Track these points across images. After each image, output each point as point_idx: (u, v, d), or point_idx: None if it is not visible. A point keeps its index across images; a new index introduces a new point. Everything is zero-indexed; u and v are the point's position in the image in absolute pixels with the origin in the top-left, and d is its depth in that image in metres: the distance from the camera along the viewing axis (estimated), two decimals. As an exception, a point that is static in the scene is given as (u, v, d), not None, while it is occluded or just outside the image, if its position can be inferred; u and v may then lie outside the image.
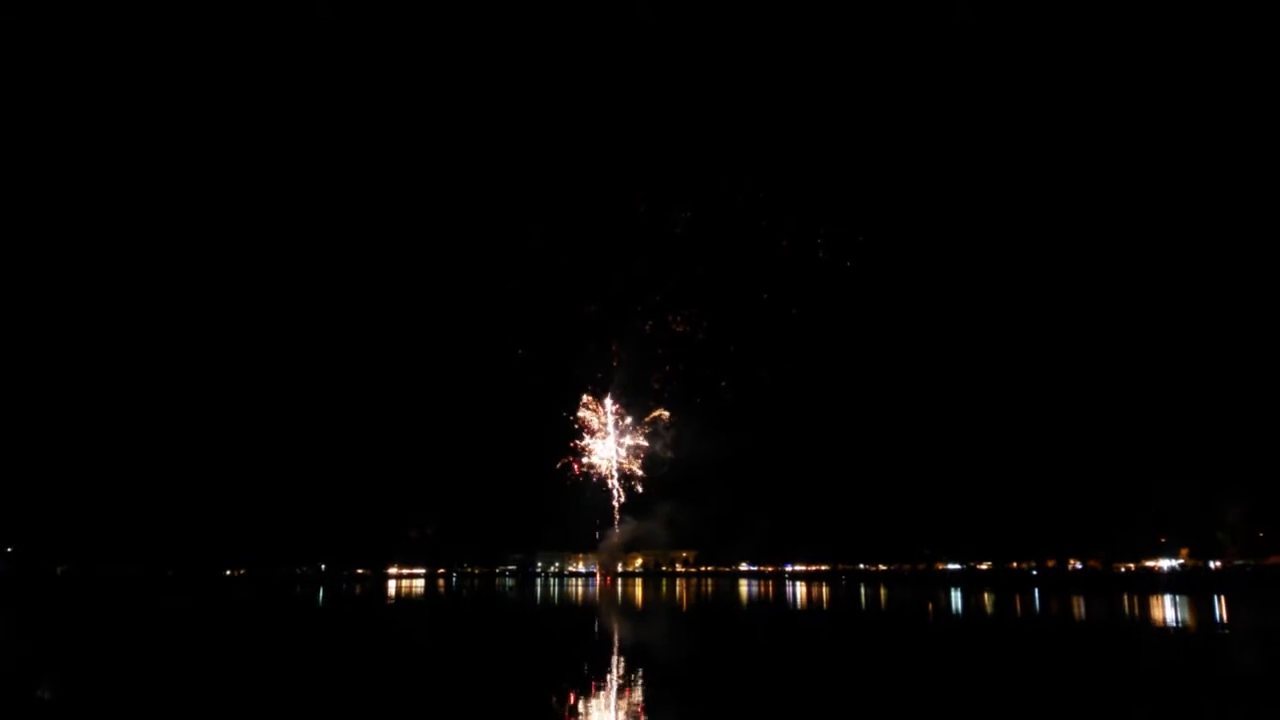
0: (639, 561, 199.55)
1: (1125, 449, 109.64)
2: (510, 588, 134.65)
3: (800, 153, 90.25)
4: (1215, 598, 76.53)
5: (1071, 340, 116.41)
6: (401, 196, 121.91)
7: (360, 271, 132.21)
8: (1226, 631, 44.48)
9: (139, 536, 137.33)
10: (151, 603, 76.52)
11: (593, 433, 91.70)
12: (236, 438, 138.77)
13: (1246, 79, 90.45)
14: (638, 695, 22.96)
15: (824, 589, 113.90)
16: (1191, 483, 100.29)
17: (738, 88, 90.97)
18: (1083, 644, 38.67)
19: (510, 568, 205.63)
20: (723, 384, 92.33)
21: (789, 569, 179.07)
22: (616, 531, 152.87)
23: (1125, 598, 78.44)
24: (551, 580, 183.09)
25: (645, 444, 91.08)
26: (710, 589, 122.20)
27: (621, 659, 31.31)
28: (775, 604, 77.69)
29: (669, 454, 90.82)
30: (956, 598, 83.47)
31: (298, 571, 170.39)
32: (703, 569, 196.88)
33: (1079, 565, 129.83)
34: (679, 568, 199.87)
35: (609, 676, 26.59)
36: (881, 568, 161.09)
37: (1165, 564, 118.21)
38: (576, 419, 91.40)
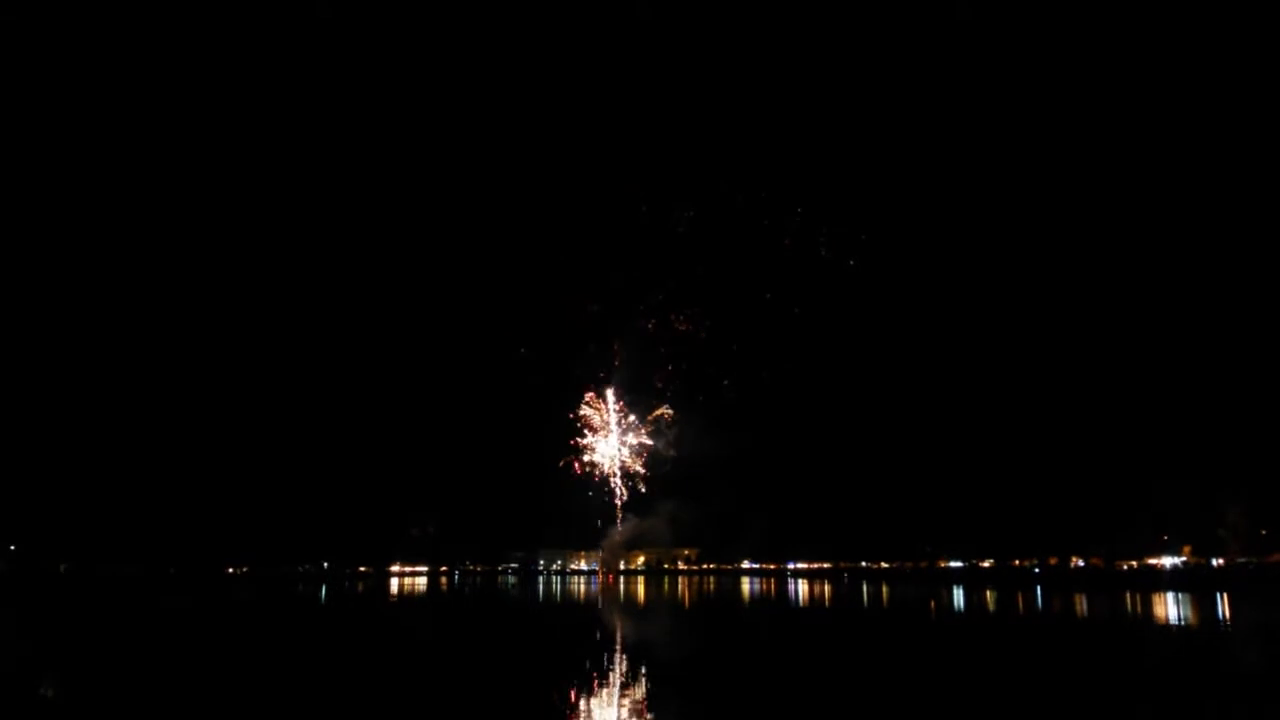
0: (641, 559, 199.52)
1: (1128, 447, 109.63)
2: (512, 585, 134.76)
3: (802, 152, 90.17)
4: (1217, 595, 76.50)
5: (1073, 339, 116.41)
6: (402, 196, 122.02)
7: (361, 271, 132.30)
8: (1229, 629, 44.42)
9: (140, 535, 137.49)
10: (153, 602, 76.59)
11: (595, 431, 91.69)
12: (238, 437, 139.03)
13: (1246, 79, 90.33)
14: (640, 692, 22.94)
15: (826, 587, 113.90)
16: (1194, 481, 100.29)
17: (739, 87, 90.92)
18: (1085, 642, 38.63)
19: (512, 565, 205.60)
20: (725, 383, 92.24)
21: (791, 567, 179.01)
22: (618, 529, 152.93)
23: (1127, 595, 78.40)
24: (553, 578, 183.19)
25: (648, 442, 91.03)
26: (712, 587, 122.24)
27: (624, 656, 31.30)
28: (777, 602, 77.69)
29: (671, 452, 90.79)
30: (959, 595, 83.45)
31: (300, 570, 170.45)
32: (705, 567, 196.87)
33: (1081, 563, 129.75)
34: (681, 565, 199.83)
35: (611, 674, 26.58)
36: (883, 565, 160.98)
37: (1167, 562, 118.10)
38: (579, 417, 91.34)
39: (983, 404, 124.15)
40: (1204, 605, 62.31)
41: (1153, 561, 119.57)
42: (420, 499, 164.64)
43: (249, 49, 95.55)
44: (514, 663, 31.42)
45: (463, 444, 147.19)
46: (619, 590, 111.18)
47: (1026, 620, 51.48)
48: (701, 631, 47.50)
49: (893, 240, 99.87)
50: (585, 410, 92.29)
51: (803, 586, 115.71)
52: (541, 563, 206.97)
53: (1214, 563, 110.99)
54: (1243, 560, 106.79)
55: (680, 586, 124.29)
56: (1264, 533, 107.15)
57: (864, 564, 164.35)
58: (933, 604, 68.11)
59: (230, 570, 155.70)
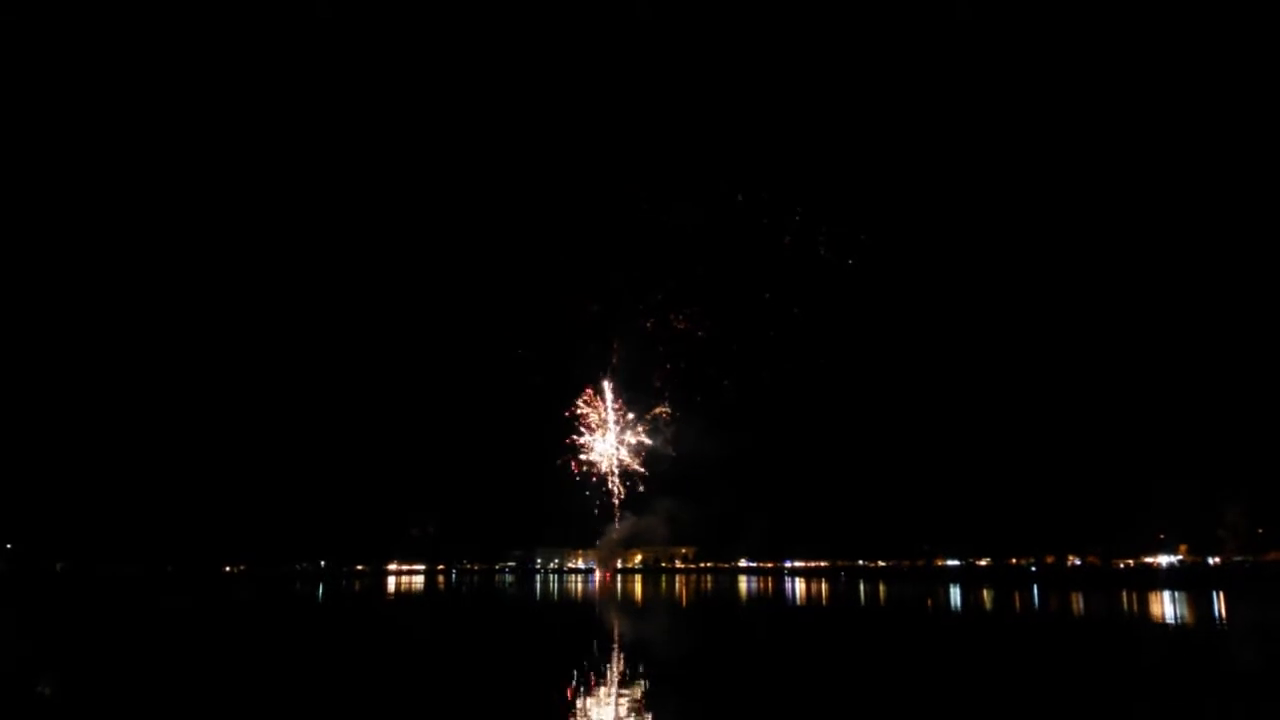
0: (639, 558, 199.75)
1: (1125, 445, 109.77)
2: (510, 584, 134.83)
3: (802, 152, 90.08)
4: (1214, 594, 76.72)
5: (1071, 338, 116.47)
6: (401, 196, 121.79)
7: (360, 270, 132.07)
8: (1225, 628, 44.57)
9: (138, 534, 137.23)
10: (151, 601, 76.55)
11: (593, 429, 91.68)
12: (235, 436, 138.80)
13: (1246, 79, 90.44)
14: (637, 691, 22.98)
15: (823, 585, 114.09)
16: (1191, 479, 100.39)
17: (739, 86, 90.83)
18: (1082, 640, 38.75)
19: (510, 564, 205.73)
20: (724, 382, 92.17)
21: (788, 565, 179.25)
22: (616, 528, 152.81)
23: (1124, 594, 78.60)
24: (551, 577, 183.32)
25: (646, 441, 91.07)
26: (710, 585, 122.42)
27: (621, 655, 31.34)
28: (774, 600, 77.82)
29: (670, 451, 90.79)
30: (956, 594, 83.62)
31: (297, 568, 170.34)
32: (702, 565, 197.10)
33: (1078, 561, 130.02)
34: (679, 564, 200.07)
35: (608, 673, 26.62)
36: (881, 564, 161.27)
37: (1164, 560, 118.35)
38: (577, 416, 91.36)
39: (980, 403, 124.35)
40: (1200, 604, 62.50)
41: (1149, 560, 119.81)
42: (418, 498, 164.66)
43: (249, 49, 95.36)
44: (511, 662, 31.45)
45: (461, 443, 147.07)
46: (616, 589, 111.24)
47: (1023, 619, 51.60)
48: (698, 630, 47.56)
49: (892, 240, 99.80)
50: (583, 409, 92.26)
51: (800, 585, 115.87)
52: (539, 561, 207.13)
53: (1211, 561, 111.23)
54: (1239, 559, 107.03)
55: (678, 585, 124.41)
56: (1261, 531, 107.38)
57: (861, 562, 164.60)
58: (930, 602, 68.25)
59: (228, 569, 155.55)
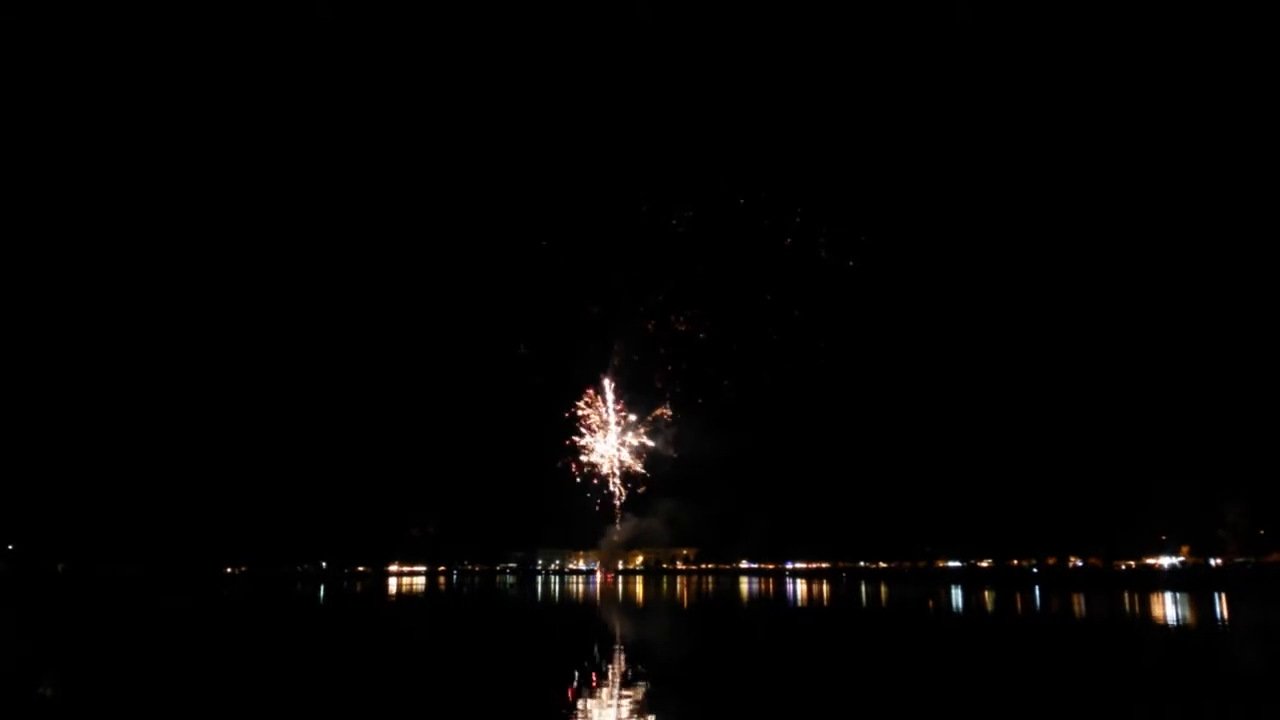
0: (640, 559, 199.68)
1: (1126, 446, 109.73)
2: (511, 585, 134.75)
3: (803, 153, 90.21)
4: (1216, 595, 76.55)
5: (1073, 339, 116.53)
6: (402, 196, 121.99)
7: (361, 271, 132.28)
8: (1227, 629, 44.47)
9: (139, 535, 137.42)
10: (151, 602, 76.55)
11: (594, 430, 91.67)
12: (237, 436, 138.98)
13: (1246, 79, 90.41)
14: (639, 692, 22.94)
15: (824, 586, 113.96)
16: (1192, 480, 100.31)
17: (740, 88, 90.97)
18: (1083, 642, 38.67)
19: (511, 565, 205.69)
20: (725, 383, 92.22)
21: (789, 567, 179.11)
22: (617, 529, 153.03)
23: (1126, 595, 78.44)
24: (552, 578, 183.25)
25: (648, 442, 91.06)
26: (711, 587, 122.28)
27: (622, 656, 31.31)
28: (775, 602, 77.72)
29: (671, 452, 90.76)
30: (957, 595, 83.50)
31: (298, 569, 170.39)
32: (703, 567, 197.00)
33: (1080, 563, 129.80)
34: (680, 565, 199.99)
35: (609, 674, 26.59)
36: (882, 565, 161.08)
37: (1166, 561, 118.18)
38: (578, 417, 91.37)
39: (981, 404, 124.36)
40: (1202, 605, 62.36)
41: (1151, 561, 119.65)
42: (419, 499, 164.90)
43: (249, 49, 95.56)
44: (513, 663, 31.42)
45: (462, 444, 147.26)
46: (618, 590, 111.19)
47: (1025, 620, 51.51)
48: (699, 632, 47.51)
49: (893, 242, 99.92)
50: (584, 410, 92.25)
51: (801, 586, 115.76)
52: (540, 563, 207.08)
53: (1212, 562, 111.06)
54: (1241, 560, 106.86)
55: (679, 586, 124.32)
56: (1262, 532, 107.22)
57: (862, 564, 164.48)
58: (931, 604, 68.15)
59: (229, 570, 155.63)
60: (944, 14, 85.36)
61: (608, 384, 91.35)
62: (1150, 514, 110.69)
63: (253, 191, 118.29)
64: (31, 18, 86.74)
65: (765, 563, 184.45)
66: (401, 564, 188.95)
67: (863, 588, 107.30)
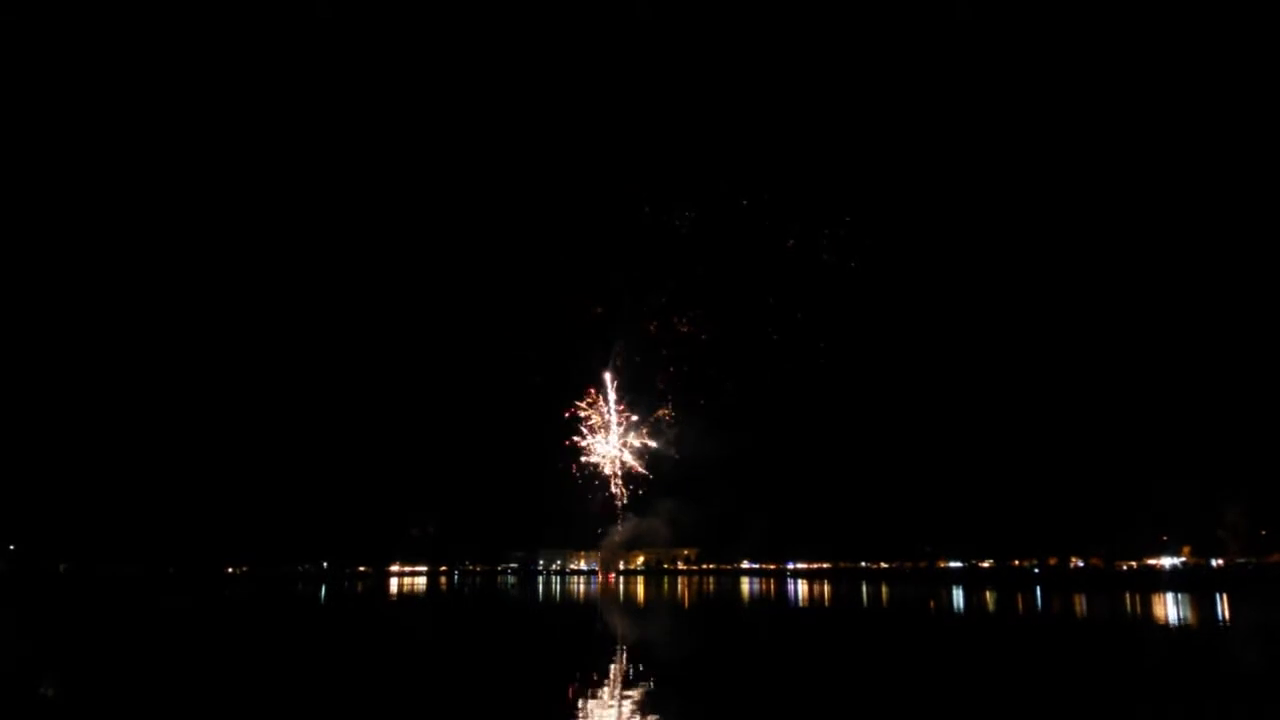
0: (640, 559, 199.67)
1: (1127, 447, 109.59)
2: (512, 585, 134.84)
3: (805, 154, 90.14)
4: (1217, 596, 76.53)
5: (1074, 339, 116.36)
6: (402, 195, 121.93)
7: (362, 270, 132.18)
8: (1228, 630, 44.43)
9: (140, 535, 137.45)
10: (152, 602, 76.63)
11: (595, 431, 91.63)
12: (237, 436, 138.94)
13: (1246, 79, 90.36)
14: (641, 692, 22.94)
15: (825, 587, 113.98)
16: (1193, 481, 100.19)
17: (742, 88, 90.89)
18: (1085, 642, 38.65)
19: (512, 565, 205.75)
20: (727, 384, 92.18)
21: (790, 567, 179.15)
22: (618, 529, 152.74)
23: (1127, 596, 78.44)
24: (553, 578, 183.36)
25: (649, 443, 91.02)
26: (712, 587, 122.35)
27: (624, 657, 31.31)
28: (776, 602, 77.74)
29: (673, 453, 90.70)
30: (958, 596, 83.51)
31: (300, 569, 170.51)
32: (704, 567, 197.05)
33: (1081, 563, 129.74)
34: (681, 565, 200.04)
35: (611, 674, 26.59)
36: (883, 565, 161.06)
37: (1167, 562, 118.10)
38: (578, 417, 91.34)
39: (982, 404, 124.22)
40: (1203, 606, 62.34)
41: (1152, 562, 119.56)
42: (420, 499, 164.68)
43: (249, 49, 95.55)
44: (514, 663, 31.42)
45: (462, 444, 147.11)
46: (619, 590, 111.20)
47: (1026, 621, 51.50)
48: (701, 632, 47.51)
49: (895, 243, 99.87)
50: (585, 410, 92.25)
51: (802, 587, 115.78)
52: (541, 563, 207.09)
53: (1214, 563, 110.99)
54: (1242, 561, 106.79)
55: (680, 587, 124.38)
56: (1264, 533, 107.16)
57: (863, 564, 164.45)
58: (932, 604, 68.15)
59: (230, 570, 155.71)
60: (945, 15, 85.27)
61: (609, 384, 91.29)
62: (1151, 515, 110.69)
63: (253, 192, 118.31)
64: (31, 17, 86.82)
65: (766, 563, 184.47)
66: (402, 564, 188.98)
67: (864, 588, 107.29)
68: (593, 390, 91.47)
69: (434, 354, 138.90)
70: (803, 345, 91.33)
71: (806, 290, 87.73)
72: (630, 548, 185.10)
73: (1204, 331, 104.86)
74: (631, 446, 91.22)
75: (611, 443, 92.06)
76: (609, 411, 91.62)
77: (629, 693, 22.69)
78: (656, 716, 19.71)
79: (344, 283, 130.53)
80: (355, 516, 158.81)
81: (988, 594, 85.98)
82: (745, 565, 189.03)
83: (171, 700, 22.13)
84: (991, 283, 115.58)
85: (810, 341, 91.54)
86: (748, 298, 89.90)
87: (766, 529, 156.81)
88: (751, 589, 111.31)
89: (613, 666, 28.41)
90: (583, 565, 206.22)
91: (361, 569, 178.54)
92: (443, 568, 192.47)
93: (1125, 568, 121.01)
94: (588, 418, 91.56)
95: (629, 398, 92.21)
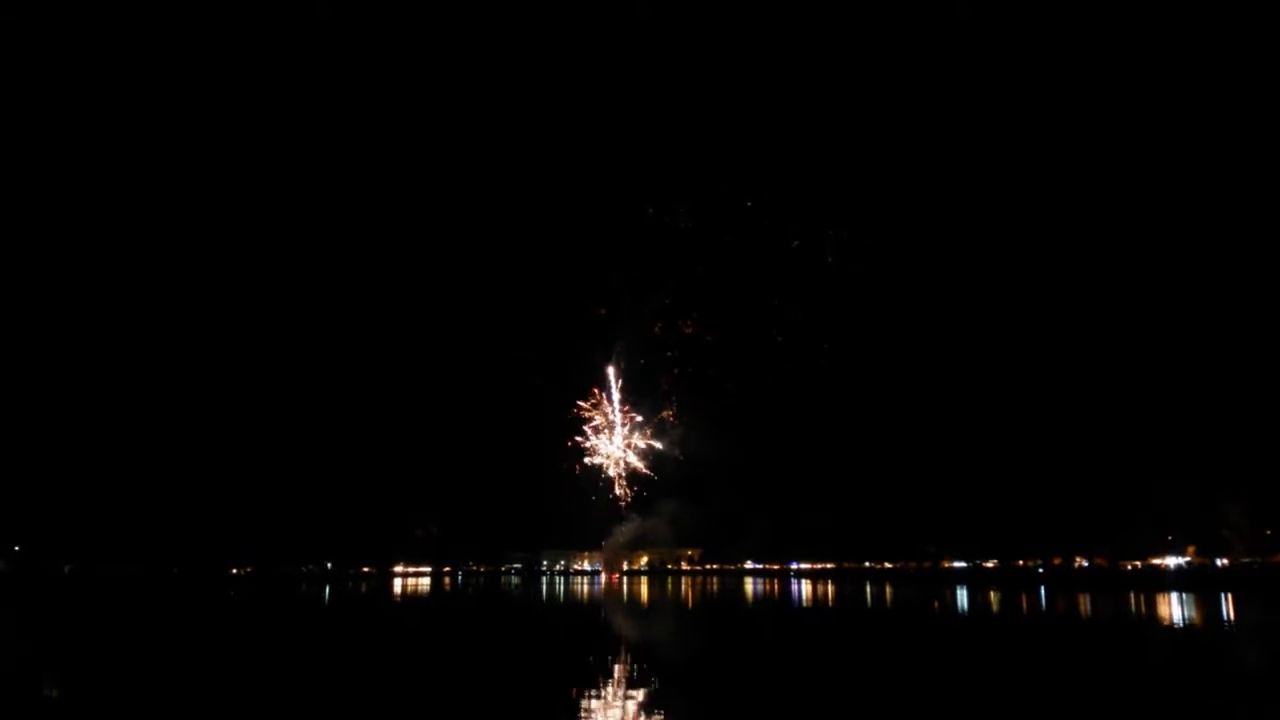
0: (644, 560, 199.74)
1: (1131, 447, 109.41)
2: (516, 586, 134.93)
3: (808, 155, 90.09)
4: (1221, 595, 76.35)
5: (1077, 340, 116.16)
6: (403, 196, 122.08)
7: (365, 271, 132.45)
8: (1233, 629, 44.30)
9: (143, 536, 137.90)
10: (155, 602, 76.76)
11: (598, 431, 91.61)
12: (241, 438, 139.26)
13: (1246, 79, 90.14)
14: (646, 693, 22.92)
15: (829, 587, 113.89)
16: (1198, 481, 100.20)
17: (745, 89, 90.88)
18: (1089, 642, 38.56)
19: (516, 566, 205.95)
20: (730, 386, 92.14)
21: (794, 567, 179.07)
22: (622, 530, 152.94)
23: (1131, 595, 78.27)
24: (557, 578, 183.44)
25: (653, 443, 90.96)
26: (715, 587, 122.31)
27: (628, 656, 31.30)
28: (780, 602, 77.69)
29: (678, 454, 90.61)
30: (962, 596, 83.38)
31: (303, 570, 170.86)
32: (707, 567, 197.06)
33: (1085, 563, 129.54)
34: (684, 566, 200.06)
35: (616, 674, 26.58)
36: (887, 566, 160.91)
37: (1171, 562, 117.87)
38: (582, 418, 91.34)
39: (987, 405, 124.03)
40: (1208, 605, 62.17)
41: (1157, 562, 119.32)
42: (424, 500, 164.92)
43: (249, 48, 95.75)
44: (518, 663, 31.42)
45: (466, 445, 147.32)
46: (623, 591, 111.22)
47: (1031, 621, 51.40)
48: (705, 632, 47.49)
49: (897, 245, 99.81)
50: (589, 411, 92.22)
51: (806, 587, 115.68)
52: (545, 563, 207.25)
53: (1218, 563, 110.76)
54: (1247, 560, 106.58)
55: (684, 587, 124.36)
56: (1268, 533, 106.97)
57: (867, 564, 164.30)
58: (936, 604, 68.04)
59: (233, 570, 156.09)
60: (946, 16, 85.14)
61: (613, 385, 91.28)
62: (1156, 514, 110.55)
63: (254, 192, 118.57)
64: (31, 17, 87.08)
65: (770, 563, 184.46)
66: (406, 565, 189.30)
67: (867, 588, 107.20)
68: (596, 390, 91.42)
69: (436, 355, 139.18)
70: (806, 346, 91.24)
71: (810, 292, 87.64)
72: (634, 548, 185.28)
73: (1208, 332, 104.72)
74: (635, 447, 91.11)
75: (615, 443, 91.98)
76: (613, 412, 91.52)
77: (633, 693, 22.67)
78: (660, 717, 19.69)
79: (347, 284, 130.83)
80: (359, 517, 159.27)
81: (992, 594, 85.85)
82: (749, 565, 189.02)
83: (172, 700, 22.15)
84: (995, 284, 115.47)
85: (814, 343, 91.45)
86: (751, 299, 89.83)
87: (770, 529, 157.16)
88: (755, 589, 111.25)
89: (617, 667, 28.39)
90: (586, 566, 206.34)
91: (365, 569, 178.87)
92: (446, 568, 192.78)
93: (1130, 567, 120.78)
94: (591, 418, 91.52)
95: (633, 398, 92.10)
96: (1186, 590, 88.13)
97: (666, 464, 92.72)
